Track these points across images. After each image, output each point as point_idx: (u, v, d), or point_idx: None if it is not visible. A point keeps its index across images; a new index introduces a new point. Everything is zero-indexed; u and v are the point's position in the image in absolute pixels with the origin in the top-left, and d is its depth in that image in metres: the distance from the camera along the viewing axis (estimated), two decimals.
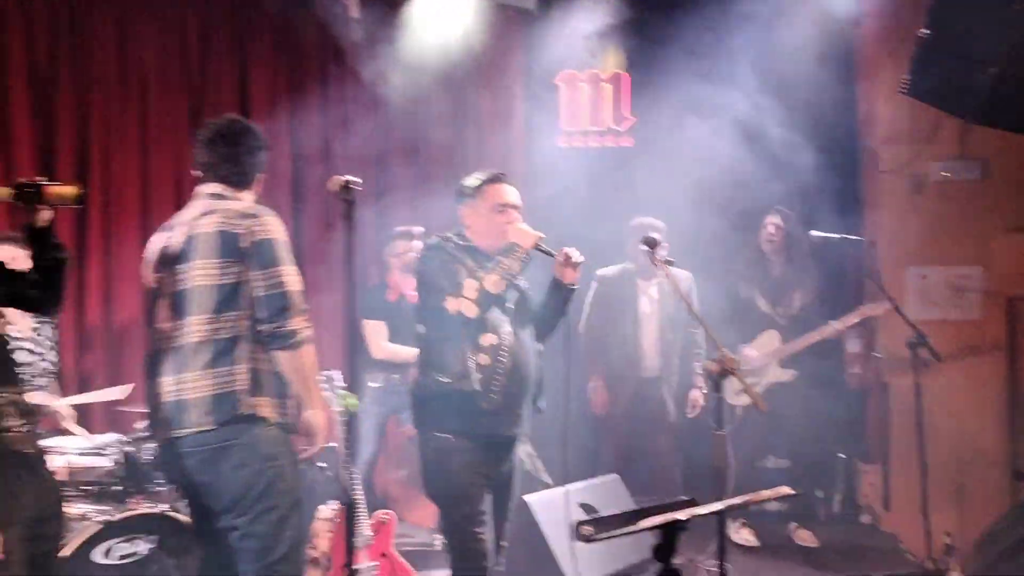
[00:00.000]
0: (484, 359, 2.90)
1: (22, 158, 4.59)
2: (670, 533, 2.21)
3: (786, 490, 2.32)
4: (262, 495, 2.54)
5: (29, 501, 2.25)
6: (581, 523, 2.20)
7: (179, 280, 2.57)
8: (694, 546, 4.45)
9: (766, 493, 2.25)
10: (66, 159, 4.83)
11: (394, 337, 4.70)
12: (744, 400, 4.80)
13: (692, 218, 5.09)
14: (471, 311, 2.86)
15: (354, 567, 3.44)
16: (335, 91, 6.09)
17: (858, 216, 5.61)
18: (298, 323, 2.57)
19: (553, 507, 3.89)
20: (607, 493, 4.26)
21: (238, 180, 2.73)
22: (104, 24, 4.99)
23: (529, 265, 3.01)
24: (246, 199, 2.75)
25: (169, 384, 2.56)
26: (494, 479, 3.03)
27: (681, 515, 2.19)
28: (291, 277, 2.58)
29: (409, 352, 4.61)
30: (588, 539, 2.19)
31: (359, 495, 3.63)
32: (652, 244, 3.18)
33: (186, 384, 2.53)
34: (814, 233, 4.86)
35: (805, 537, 4.99)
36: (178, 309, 2.57)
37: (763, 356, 4.94)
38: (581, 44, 6.09)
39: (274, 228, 2.60)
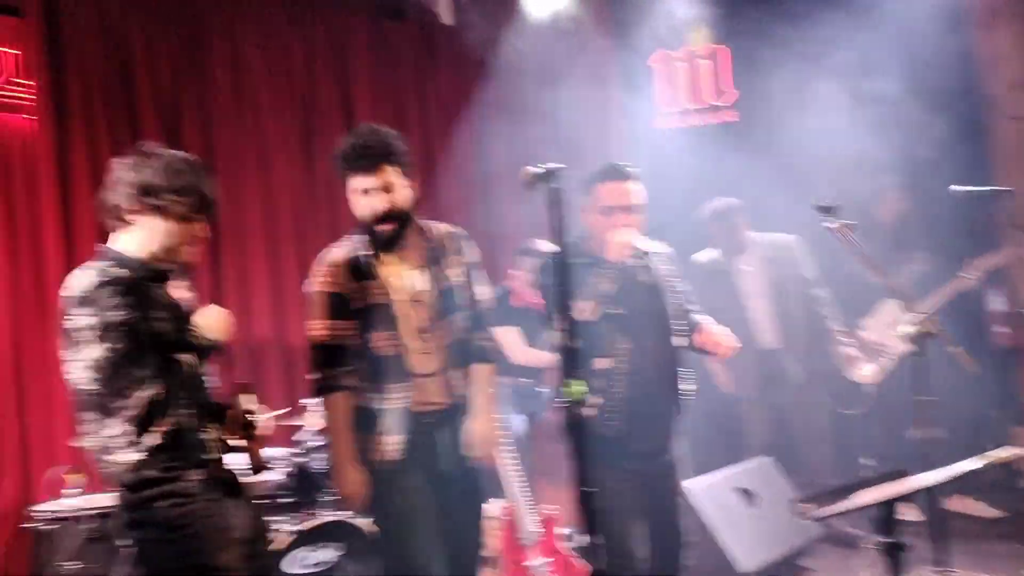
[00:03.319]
0: (599, 383, 2.77)
1: None
2: (889, 506, 2.16)
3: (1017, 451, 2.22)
4: None
5: (239, 523, 2.31)
6: (799, 500, 2.16)
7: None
8: (850, 520, 4.36)
9: (999, 453, 2.16)
10: None
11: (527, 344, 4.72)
12: (874, 379, 4.67)
13: (802, 189, 4.96)
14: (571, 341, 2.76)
15: (527, 564, 3.49)
16: (432, 98, 6.18)
17: (984, 168, 5.39)
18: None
19: (712, 492, 3.84)
20: (762, 476, 4.18)
21: None
22: (220, 56, 5.15)
23: (636, 274, 2.81)
24: None
25: None
26: (647, 490, 2.90)
27: (905, 487, 2.14)
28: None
29: (548, 357, 4.64)
30: (808, 516, 2.16)
31: (525, 491, 3.65)
32: (829, 210, 2.96)
33: None
34: (955, 188, 4.68)
35: (978, 508, 4.79)
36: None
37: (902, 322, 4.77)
38: (674, 22, 6.02)
39: None
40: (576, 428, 2.12)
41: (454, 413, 2.72)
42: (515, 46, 5.88)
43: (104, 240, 2.30)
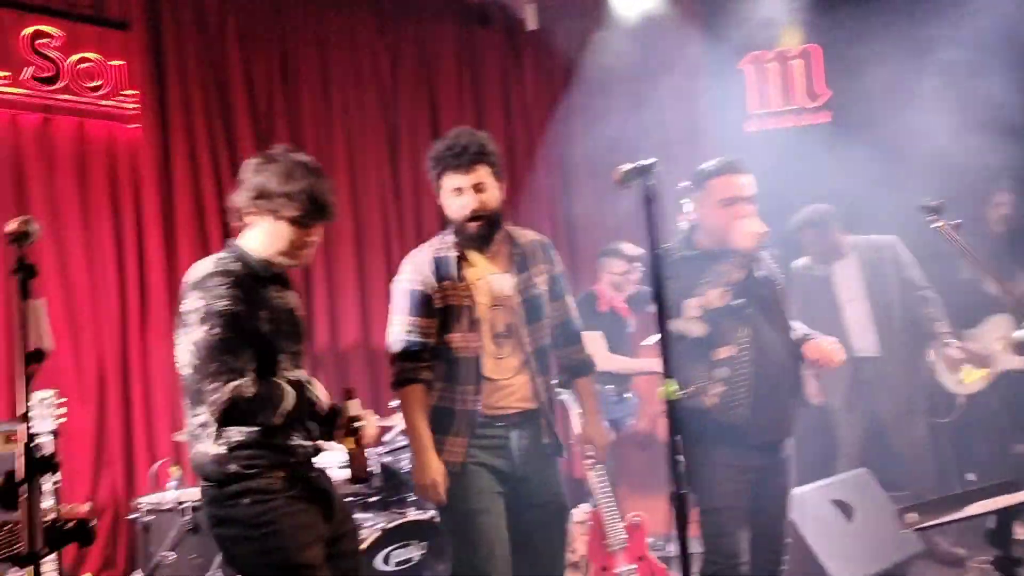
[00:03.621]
0: (723, 372, 2.73)
1: None
2: (1005, 518, 2.05)
3: None
4: None
5: (322, 521, 2.31)
6: (904, 510, 2.07)
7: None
8: (953, 538, 4.18)
9: None
10: None
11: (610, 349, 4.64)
12: (969, 388, 4.45)
13: (902, 194, 4.77)
14: (699, 330, 2.69)
15: (614, 570, 3.44)
16: (518, 103, 6.20)
17: None
18: None
19: (809, 504, 3.71)
20: (860, 489, 4.02)
21: None
22: (309, 64, 5.28)
23: (762, 264, 2.80)
24: None
25: None
26: (759, 487, 2.84)
27: (1020, 499, 2.03)
28: None
29: (634, 364, 4.57)
30: (914, 527, 2.07)
31: (609, 497, 3.60)
32: (935, 210, 2.86)
33: None
34: None
35: None
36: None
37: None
38: (764, 22, 5.89)
39: None
40: (678, 426, 2.07)
41: (532, 418, 2.70)
42: (602, 50, 5.85)
43: (202, 245, 2.35)
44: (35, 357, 1.45)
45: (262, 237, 2.26)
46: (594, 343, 4.60)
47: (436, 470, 2.57)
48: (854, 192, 4.80)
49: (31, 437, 1.37)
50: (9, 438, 3.31)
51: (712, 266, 2.74)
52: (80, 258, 4.38)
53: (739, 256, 2.70)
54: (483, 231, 2.67)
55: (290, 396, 2.20)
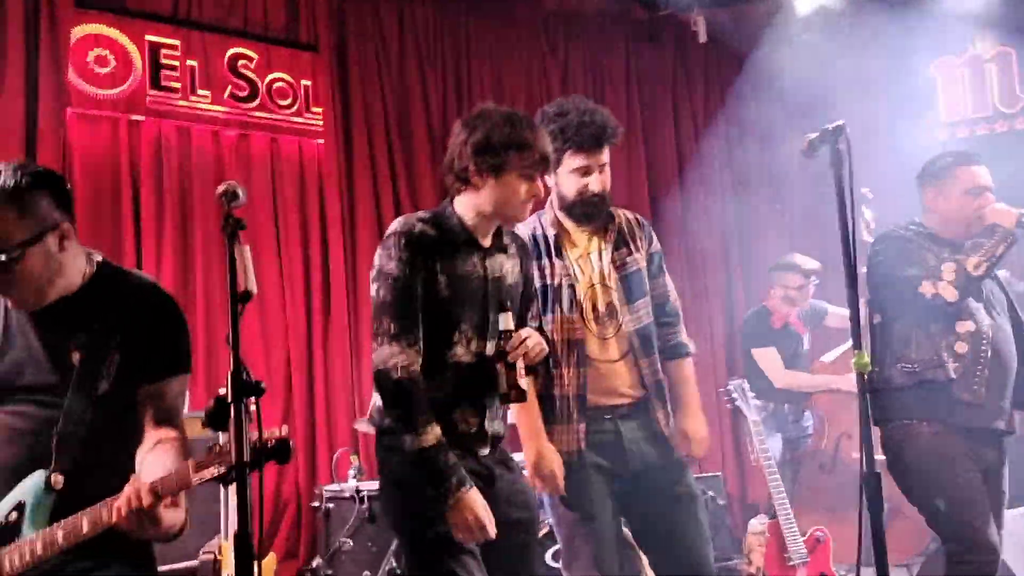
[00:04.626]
0: (962, 347, 2.68)
1: (425, 194, 5.13)
2: None
3: None
4: None
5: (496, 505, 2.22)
6: None
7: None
8: None
9: None
10: None
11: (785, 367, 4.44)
12: None
13: None
14: (951, 295, 2.63)
15: None
16: (687, 116, 6.14)
17: None
18: None
19: (1012, 529, 3.38)
20: None
21: None
22: (482, 83, 5.46)
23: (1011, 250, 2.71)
24: None
25: None
26: (984, 473, 2.70)
27: None
28: None
29: (815, 380, 4.36)
30: None
31: (787, 509, 3.43)
32: None
33: None
34: None
35: None
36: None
37: None
38: (956, 26, 5.55)
39: None
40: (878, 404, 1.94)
41: (643, 407, 2.53)
42: (777, 59, 5.68)
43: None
44: (243, 297, 1.53)
45: (480, 197, 2.15)
46: (770, 360, 4.42)
47: (552, 459, 2.38)
48: None
49: (237, 363, 1.45)
50: (204, 424, 3.52)
51: (951, 247, 2.75)
52: (271, 262, 4.66)
53: (1001, 232, 2.66)
54: (598, 211, 2.54)
55: (425, 439, 2.03)
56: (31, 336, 1.84)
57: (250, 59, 4.73)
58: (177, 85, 4.48)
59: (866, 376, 2.77)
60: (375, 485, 3.50)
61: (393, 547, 3.30)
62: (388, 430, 2.13)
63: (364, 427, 3.53)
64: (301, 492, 4.42)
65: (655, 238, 2.70)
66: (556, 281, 2.49)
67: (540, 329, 2.34)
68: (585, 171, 2.48)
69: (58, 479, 1.76)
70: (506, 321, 2.14)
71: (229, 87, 4.64)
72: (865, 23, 5.60)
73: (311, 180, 4.87)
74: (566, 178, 2.50)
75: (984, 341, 2.69)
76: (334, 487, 3.61)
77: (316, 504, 3.60)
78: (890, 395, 2.73)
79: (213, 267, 4.43)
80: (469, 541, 2.06)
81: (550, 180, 2.52)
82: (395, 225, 2.16)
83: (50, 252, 1.80)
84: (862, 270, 2.71)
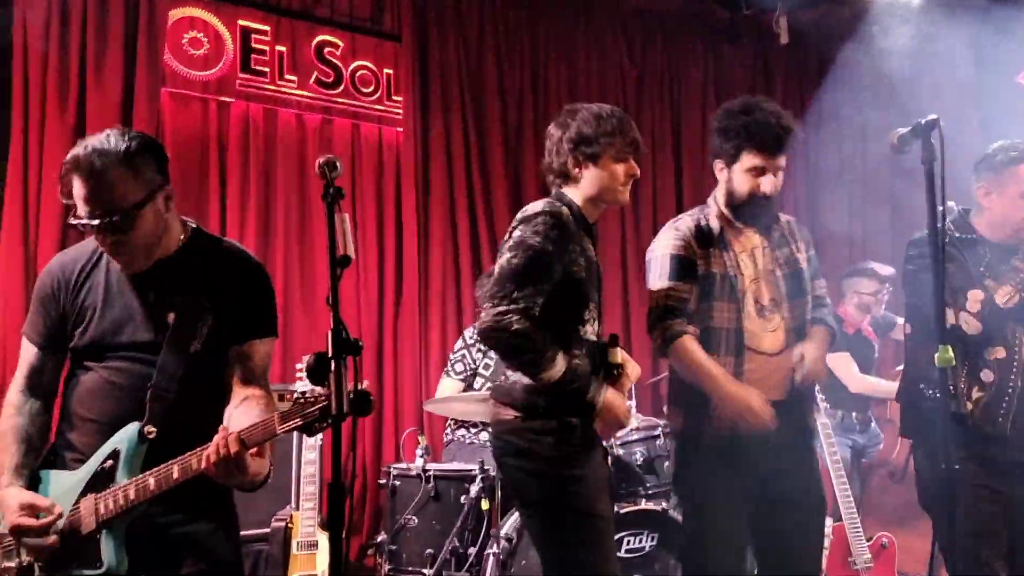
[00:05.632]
0: (988, 375, 2.51)
1: (498, 185, 5.23)
2: None
3: None
4: None
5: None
6: None
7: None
8: None
9: None
10: (531, 195, 5.31)
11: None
12: None
13: None
14: (973, 328, 2.46)
15: None
16: None
17: None
18: None
19: None
20: None
21: None
22: (558, 80, 5.50)
23: None
24: None
25: None
26: (1008, 509, 2.56)
27: None
28: None
29: (890, 386, 4.28)
30: None
31: (853, 513, 3.39)
32: None
33: None
34: None
35: None
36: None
37: None
38: None
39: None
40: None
41: (795, 401, 2.56)
42: (859, 63, 5.60)
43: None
44: (342, 262, 1.61)
45: (583, 187, 2.34)
46: (844, 364, 4.37)
47: (751, 393, 2.41)
48: None
49: (338, 322, 1.52)
50: (283, 397, 3.63)
51: (992, 255, 2.54)
52: None
53: None
54: (764, 213, 2.59)
55: (557, 368, 2.18)
56: (130, 296, 1.95)
57: (336, 47, 4.85)
58: (266, 69, 4.64)
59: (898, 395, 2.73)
60: (441, 466, 3.62)
61: (456, 527, 3.36)
62: (542, 412, 2.23)
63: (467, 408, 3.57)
64: (368, 470, 4.54)
65: (812, 242, 2.75)
66: (720, 269, 2.55)
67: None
68: (760, 172, 2.52)
69: (151, 430, 1.86)
70: (617, 354, 2.32)
71: (315, 73, 4.77)
72: (953, 28, 5.47)
73: (389, 166, 4.97)
74: (740, 176, 2.55)
75: (1015, 369, 2.50)
76: (401, 465, 3.68)
77: (383, 481, 3.67)
78: (918, 410, 2.63)
79: (292, 244, 4.58)
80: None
81: (722, 175, 2.60)
82: (539, 205, 2.30)
83: (159, 212, 1.90)
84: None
